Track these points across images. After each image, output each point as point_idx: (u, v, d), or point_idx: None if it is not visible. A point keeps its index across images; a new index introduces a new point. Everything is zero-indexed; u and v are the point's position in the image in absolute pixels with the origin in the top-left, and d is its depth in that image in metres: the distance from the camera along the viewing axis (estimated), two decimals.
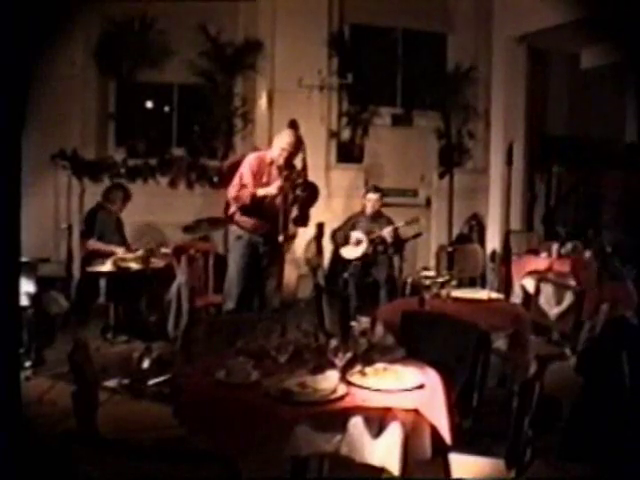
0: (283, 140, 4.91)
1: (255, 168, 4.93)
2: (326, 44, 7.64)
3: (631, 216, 7.46)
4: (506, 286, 6.16)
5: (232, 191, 4.95)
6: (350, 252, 6.28)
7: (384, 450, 2.29)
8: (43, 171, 6.78)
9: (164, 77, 7.45)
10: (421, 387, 2.47)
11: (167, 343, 5.04)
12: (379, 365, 2.59)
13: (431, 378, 2.57)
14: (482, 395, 3.06)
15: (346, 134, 7.94)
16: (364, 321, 3.44)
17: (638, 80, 7.01)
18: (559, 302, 4.44)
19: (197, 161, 7.43)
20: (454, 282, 4.48)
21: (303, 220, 4.96)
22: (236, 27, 7.59)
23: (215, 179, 7.32)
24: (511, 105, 7.94)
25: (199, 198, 7.33)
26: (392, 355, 2.77)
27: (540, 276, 5.24)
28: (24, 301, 4.56)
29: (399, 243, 6.37)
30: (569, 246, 6.34)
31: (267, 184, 4.89)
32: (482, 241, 8.00)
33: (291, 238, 5.41)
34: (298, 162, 4.99)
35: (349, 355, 2.57)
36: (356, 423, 2.29)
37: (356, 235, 6.30)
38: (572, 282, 5.26)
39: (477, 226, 8.15)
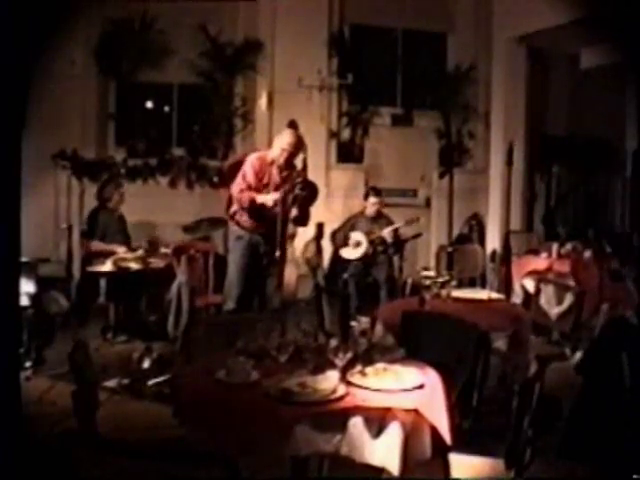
0: (284, 140, 4.92)
1: (257, 168, 4.94)
2: (326, 44, 7.64)
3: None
4: (506, 286, 6.16)
5: (235, 190, 4.96)
6: (350, 253, 6.28)
7: (384, 450, 2.29)
8: (43, 171, 6.77)
9: (164, 77, 7.45)
10: (421, 387, 2.47)
11: (167, 343, 5.03)
12: (379, 365, 2.59)
13: (431, 378, 2.57)
14: (482, 395, 3.06)
15: (346, 134, 7.95)
16: (364, 321, 3.43)
17: (638, 80, 7.01)
18: (559, 302, 4.45)
19: (197, 161, 7.44)
20: (454, 282, 4.48)
21: (303, 220, 4.96)
22: (236, 27, 7.59)
23: (215, 179, 7.32)
24: (511, 105, 7.94)
25: (199, 198, 7.34)
26: (392, 355, 2.77)
27: (540, 276, 5.25)
28: (24, 301, 4.56)
29: (399, 243, 6.37)
30: (569, 246, 6.34)
31: (268, 184, 4.90)
32: (482, 241, 8.00)
33: (291, 238, 5.41)
34: (298, 162, 4.99)
35: (349, 355, 2.57)
36: (356, 423, 2.29)
37: (356, 237, 6.30)
38: (572, 282, 5.26)
39: (477, 226, 8.15)
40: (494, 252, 7.70)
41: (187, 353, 4.60)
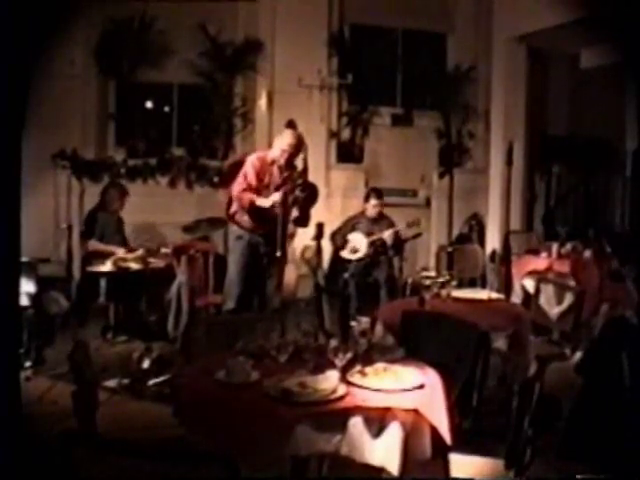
0: (284, 141, 4.92)
1: (258, 168, 4.94)
2: (326, 44, 7.64)
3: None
4: (506, 286, 6.16)
5: (236, 189, 4.96)
6: (350, 253, 6.28)
7: (384, 450, 2.29)
8: (43, 171, 6.77)
9: (164, 77, 7.45)
10: (421, 387, 2.47)
11: (167, 343, 5.03)
12: (379, 365, 2.59)
13: (431, 378, 2.57)
14: (482, 395, 3.06)
15: (346, 134, 7.94)
16: (364, 321, 3.44)
17: (638, 80, 7.01)
18: (559, 302, 4.44)
19: (197, 161, 7.43)
20: (454, 282, 4.48)
21: (303, 220, 4.97)
22: (236, 27, 7.59)
23: (215, 179, 7.32)
24: (511, 105, 7.94)
25: (199, 198, 7.33)
26: (392, 355, 2.78)
27: (540, 276, 5.24)
28: (24, 301, 4.56)
29: (399, 243, 6.36)
30: (569, 246, 6.34)
31: (269, 184, 4.90)
32: (482, 241, 8.00)
33: (290, 238, 5.41)
34: (299, 162, 4.99)
35: (349, 355, 2.58)
36: (356, 423, 2.29)
37: (355, 240, 6.27)
38: (572, 282, 5.26)
39: (477, 226, 8.15)
40: (494, 252, 7.69)
41: (187, 353, 4.59)
